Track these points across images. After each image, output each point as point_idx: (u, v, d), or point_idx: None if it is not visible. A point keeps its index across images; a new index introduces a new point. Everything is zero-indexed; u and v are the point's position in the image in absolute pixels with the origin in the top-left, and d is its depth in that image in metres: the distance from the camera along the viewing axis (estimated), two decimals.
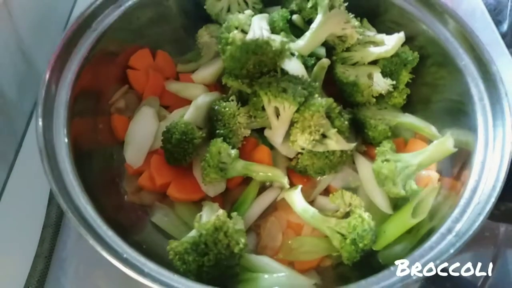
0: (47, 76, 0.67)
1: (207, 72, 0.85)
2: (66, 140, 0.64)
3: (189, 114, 0.77)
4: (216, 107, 0.75)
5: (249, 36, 0.71)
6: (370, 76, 0.80)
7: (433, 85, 0.80)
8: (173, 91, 0.85)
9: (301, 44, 0.77)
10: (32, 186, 0.80)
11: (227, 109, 0.74)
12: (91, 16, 0.74)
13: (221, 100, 0.77)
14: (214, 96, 0.80)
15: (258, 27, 0.74)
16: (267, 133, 0.76)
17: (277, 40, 0.71)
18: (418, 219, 0.65)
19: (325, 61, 0.79)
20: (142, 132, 0.79)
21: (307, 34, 0.77)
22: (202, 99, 0.79)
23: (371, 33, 0.82)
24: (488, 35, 0.73)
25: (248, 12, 0.78)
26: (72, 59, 0.70)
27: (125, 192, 0.77)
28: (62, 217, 0.77)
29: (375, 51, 0.80)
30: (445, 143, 0.67)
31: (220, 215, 0.63)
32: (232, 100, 0.76)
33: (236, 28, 0.75)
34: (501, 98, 0.67)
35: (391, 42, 0.79)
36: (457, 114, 0.74)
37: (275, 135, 0.73)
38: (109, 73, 0.80)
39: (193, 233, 0.63)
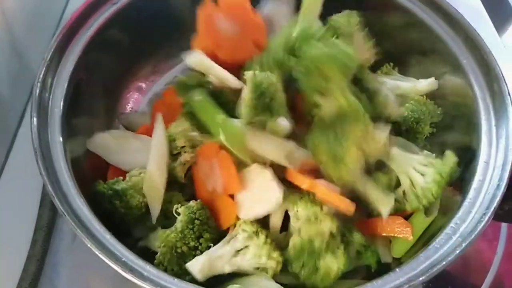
0: (42, 74, 0.64)
1: None
2: (61, 139, 0.62)
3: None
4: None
5: None
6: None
7: None
8: None
9: None
10: (23, 187, 0.78)
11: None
12: (86, 14, 0.72)
13: None
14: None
15: None
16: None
17: None
18: (432, 217, 0.65)
19: None
20: None
21: None
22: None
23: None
24: (488, 38, 0.73)
25: None
26: (66, 57, 0.68)
27: None
28: (54, 219, 0.75)
29: (403, 85, 0.78)
30: None
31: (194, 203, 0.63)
32: None
33: None
34: (504, 96, 0.66)
35: (423, 83, 0.77)
36: (460, 112, 0.73)
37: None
38: None
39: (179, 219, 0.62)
